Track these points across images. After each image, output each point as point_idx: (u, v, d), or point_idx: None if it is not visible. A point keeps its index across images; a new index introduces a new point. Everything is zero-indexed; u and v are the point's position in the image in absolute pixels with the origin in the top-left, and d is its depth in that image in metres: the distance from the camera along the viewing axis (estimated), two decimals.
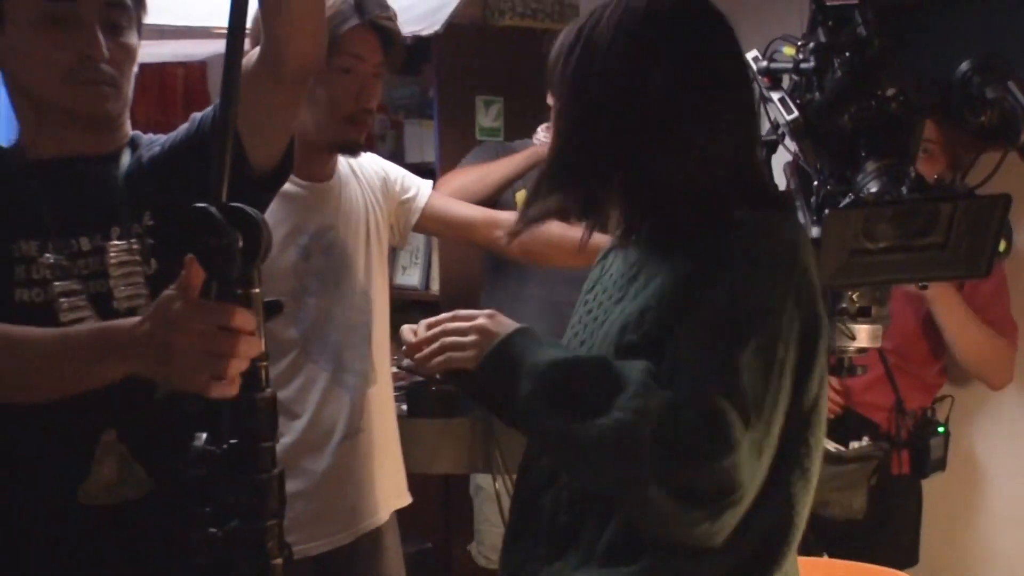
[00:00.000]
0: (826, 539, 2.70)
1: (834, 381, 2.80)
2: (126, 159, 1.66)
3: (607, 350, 1.46)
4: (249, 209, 1.13)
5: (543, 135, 2.91)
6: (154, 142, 1.71)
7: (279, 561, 1.20)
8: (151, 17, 2.43)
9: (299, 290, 2.08)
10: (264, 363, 1.21)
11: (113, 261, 1.56)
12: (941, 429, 2.81)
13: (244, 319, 1.16)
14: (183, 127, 1.71)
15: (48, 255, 1.52)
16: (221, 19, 2.04)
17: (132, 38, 1.62)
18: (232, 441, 1.19)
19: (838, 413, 2.84)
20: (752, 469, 1.30)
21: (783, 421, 1.36)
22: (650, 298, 1.44)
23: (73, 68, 1.53)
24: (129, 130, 1.70)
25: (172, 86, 3.85)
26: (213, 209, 1.09)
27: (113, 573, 1.57)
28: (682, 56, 1.46)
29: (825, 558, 2.37)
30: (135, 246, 1.58)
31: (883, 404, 2.83)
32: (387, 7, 2.10)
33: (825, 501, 2.78)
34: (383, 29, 2.08)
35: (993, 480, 3.11)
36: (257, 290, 1.19)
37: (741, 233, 1.42)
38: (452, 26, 3.05)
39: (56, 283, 1.52)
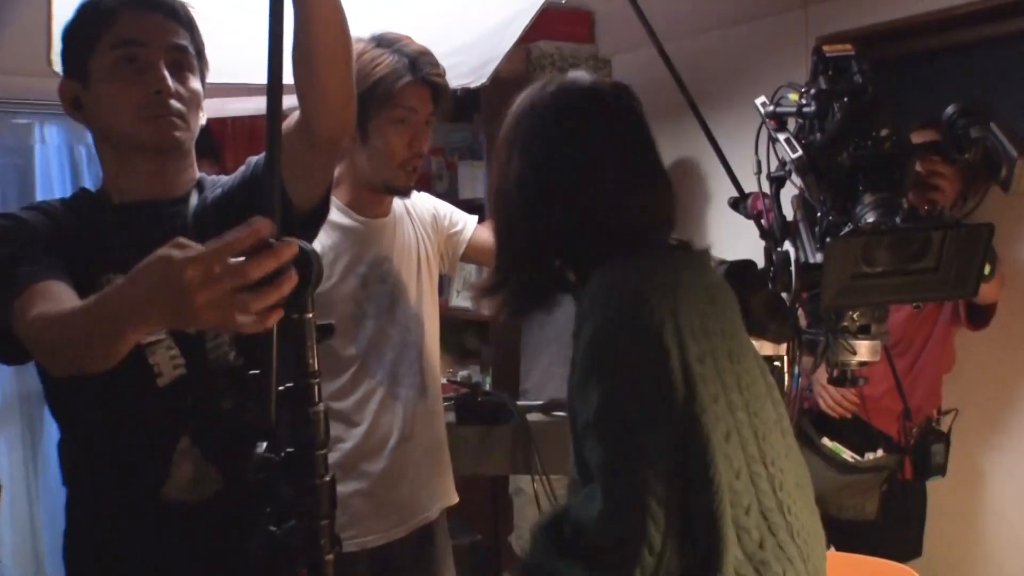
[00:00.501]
0: (839, 535, 2.69)
1: (849, 392, 2.81)
2: (194, 200, 1.69)
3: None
4: (303, 244, 1.15)
5: None
6: (216, 183, 1.74)
7: (331, 557, 1.22)
8: (243, 76, 2.48)
9: (358, 313, 2.10)
10: (317, 380, 1.21)
11: None
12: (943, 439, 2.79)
13: (240, 240, 1.10)
14: (240, 170, 1.74)
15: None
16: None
17: (195, 83, 1.64)
18: (289, 449, 1.21)
19: (851, 413, 2.83)
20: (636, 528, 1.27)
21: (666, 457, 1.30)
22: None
23: (144, 103, 1.56)
24: (196, 174, 1.73)
25: (260, 136, 3.92)
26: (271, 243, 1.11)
27: (191, 562, 1.59)
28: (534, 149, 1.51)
29: (831, 550, 2.34)
30: None
31: (894, 413, 2.82)
32: (437, 64, 2.11)
33: (841, 506, 2.77)
34: (434, 84, 2.10)
35: (991, 485, 3.07)
36: (310, 315, 1.21)
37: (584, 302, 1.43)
38: (497, 79, 3.06)
39: None
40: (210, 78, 1.74)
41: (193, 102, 1.63)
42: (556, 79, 1.61)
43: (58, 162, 3.30)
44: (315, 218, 1.68)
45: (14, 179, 3.38)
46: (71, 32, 1.61)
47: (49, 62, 2.36)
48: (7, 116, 3.34)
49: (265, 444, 1.32)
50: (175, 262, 1.09)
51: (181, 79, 1.61)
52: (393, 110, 2.05)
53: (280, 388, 1.29)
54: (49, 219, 1.59)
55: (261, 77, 2.54)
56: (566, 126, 1.53)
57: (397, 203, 2.23)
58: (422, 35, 2.14)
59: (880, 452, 2.81)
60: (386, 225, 2.19)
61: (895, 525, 2.84)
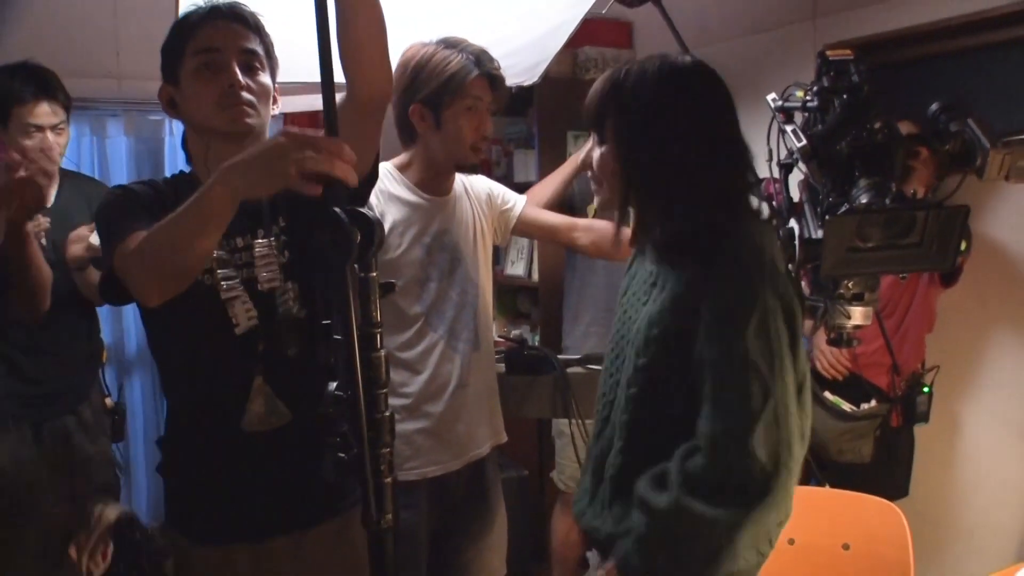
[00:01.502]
0: (837, 477, 2.66)
1: (842, 352, 2.76)
2: None
3: (639, 339, 1.51)
4: (369, 212, 1.16)
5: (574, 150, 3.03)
6: None
7: (389, 480, 1.22)
8: (312, 75, 2.47)
9: (423, 277, 2.09)
10: (379, 330, 1.22)
11: (258, 254, 1.62)
12: (926, 389, 2.76)
13: (331, 147, 1.18)
14: None
15: (215, 251, 1.56)
16: None
17: (265, 78, 1.65)
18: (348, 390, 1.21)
19: (845, 376, 2.79)
20: (776, 449, 1.36)
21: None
22: (666, 300, 1.49)
23: (220, 96, 1.58)
24: None
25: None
26: (339, 213, 1.12)
27: (267, 481, 1.62)
28: (688, 116, 1.53)
29: (827, 488, 2.30)
30: (273, 242, 1.63)
31: (884, 367, 2.78)
32: (495, 60, 2.11)
33: (840, 450, 2.74)
34: (494, 77, 2.10)
35: (967, 432, 3.01)
36: (374, 273, 1.21)
37: (723, 247, 1.46)
38: (548, 79, 3.04)
39: (219, 271, 1.59)
40: (291, 77, 1.75)
41: (263, 94, 1.64)
42: (659, 57, 1.60)
43: (182, 151, 3.34)
44: (367, 184, 1.66)
45: (149, 164, 3.46)
46: (166, 46, 1.64)
47: None
48: (144, 114, 3.41)
49: (335, 384, 1.32)
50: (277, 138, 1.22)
51: (251, 75, 1.61)
52: (464, 99, 2.05)
53: (337, 336, 1.29)
54: (153, 190, 1.64)
55: (304, 76, 2.53)
56: (714, 96, 1.61)
57: (457, 183, 2.21)
58: (482, 39, 2.12)
59: (873, 402, 2.77)
60: (448, 202, 2.17)
61: (886, 467, 2.81)
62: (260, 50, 1.64)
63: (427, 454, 2.08)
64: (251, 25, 1.64)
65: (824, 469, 2.70)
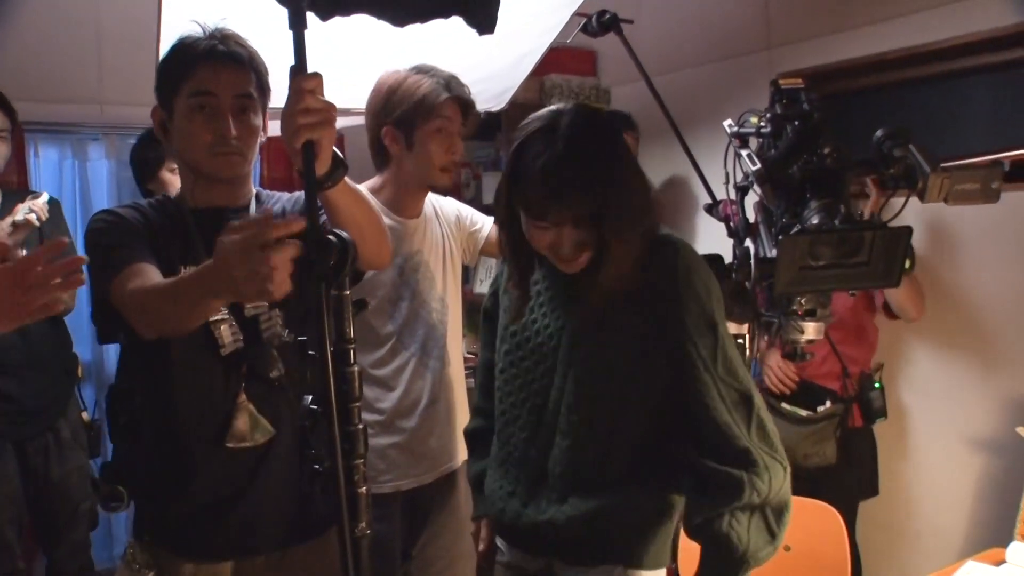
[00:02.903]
0: (807, 483, 2.69)
1: (788, 365, 2.80)
2: (253, 208, 1.71)
3: (597, 358, 1.58)
4: (343, 234, 1.19)
5: None
6: (273, 198, 1.77)
7: (363, 490, 1.22)
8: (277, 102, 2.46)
9: (395, 297, 2.09)
10: (352, 346, 1.22)
11: None
12: (877, 385, 2.80)
13: (265, 230, 1.16)
14: (296, 195, 1.78)
15: None
16: (358, 102, 2.09)
17: (257, 120, 1.63)
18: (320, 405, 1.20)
19: (793, 389, 2.83)
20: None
21: None
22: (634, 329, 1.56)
23: (212, 143, 1.58)
24: (252, 187, 1.74)
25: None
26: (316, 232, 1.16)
27: (252, 500, 1.60)
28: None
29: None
30: None
31: (834, 372, 2.83)
32: (464, 85, 2.13)
33: (806, 454, 2.78)
34: (464, 101, 2.11)
35: (916, 439, 3.05)
36: (347, 292, 1.22)
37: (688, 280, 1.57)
38: (516, 104, 3.06)
39: None
40: (280, 103, 1.72)
41: (252, 135, 1.64)
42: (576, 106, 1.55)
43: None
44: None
45: (129, 187, 3.44)
46: (163, 70, 1.63)
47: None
48: (126, 138, 3.40)
49: (310, 398, 1.33)
50: (224, 245, 1.20)
51: (243, 119, 1.61)
52: (434, 121, 2.06)
53: (312, 352, 1.29)
54: (142, 216, 1.62)
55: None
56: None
57: (427, 206, 2.21)
58: (453, 67, 2.14)
59: (828, 404, 2.81)
60: (419, 224, 2.17)
61: (853, 467, 2.85)
62: (254, 91, 1.62)
63: (401, 468, 2.08)
64: (247, 65, 1.61)
65: (793, 475, 2.73)
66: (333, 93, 2.72)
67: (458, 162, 2.15)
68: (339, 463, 1.18)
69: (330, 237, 1.16)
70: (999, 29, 2.67)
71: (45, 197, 2.65)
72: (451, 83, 2.08)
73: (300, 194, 1.77)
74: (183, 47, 1.60)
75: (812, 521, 2.07)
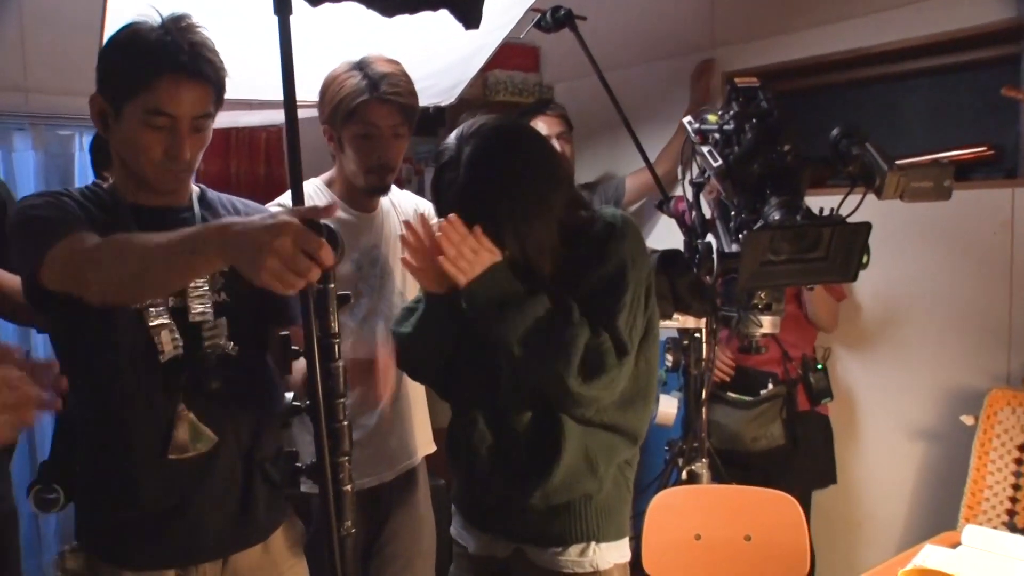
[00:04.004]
0: (758, 471, 2.80)
1: (729, 353, 2.89)
2: (197, 209, 1.65)
3: None
4: (332, 226, 1.22)
5: None
6: (221, 201, 1.72)
7: (348, 488, 1.24)
8: (243, 93, 2.42)
9: (354, 292, 2.09)
10: (338, 340, 1.24)
11: (190, 286, 1.57)
12: (820, 367, 2.89)
13: (326, 253, 1.19)
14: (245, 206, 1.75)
15: None
16: (300, 94, 2.06)
17: (209, 132, 1.59)
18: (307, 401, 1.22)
19: (731, 375, 2.91)
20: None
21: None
22: None
23: (161, 160, 1.53)
24: (192, 185, 1.69)
25: (258, 146, 3.86)
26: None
27: (195, 508, 1.58)
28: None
29: (733, 485, 2.40)
30: (207, 278, 1.59)
31: (774, 358, 2.91)
32: (398, 84, 2.03)
33: (754, 437, 2.86)
34: (393, 102, 2.02)
35: (867, 413, 3.15)
36: (332, 285, 1.23)
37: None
38: (463, 100, 3.08)
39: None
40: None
41: (203, 148, 1.60)
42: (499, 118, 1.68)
43: (91, 167, 3.23)
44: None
45: (57, 178, 3.34)
46: (113, 64, 1.54)
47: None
48: (53, 128, 3.29)
49: (291, 395, 1.33)
50: (276, 226, 1.17)
51: (198, 137, 1.56)
52: (356, 126, 2.01)
53: (296, 348, 1.31)
54: (77, 204, 1.54)
55: (263, 94, 2.48)
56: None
57: (384, 200, 2.22)
58: (405, 58, 2.11)
59: (770, 386, 2.89)
60: (375, 218, 2.18)
61: (804, 453, 2.92)
62: (213, 107, 1.57)
63: (362, 466, 2.06)
64: (214, 81, 1.54)
65: (746, 464, 2.82)
66: (275, 85, 2.70)
67: (389, 164, 2.08)
68: (326, 460, 1.19)
69: (321, 228, 1.17)
70: (937, 35, 2.80)
71: None
72: (379, 83, 1.99)
73: (247, 202, 1.76)
74: (140, 44, 1.50)
75: (770, 510, 2.14)
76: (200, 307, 1.57)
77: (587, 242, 1.60)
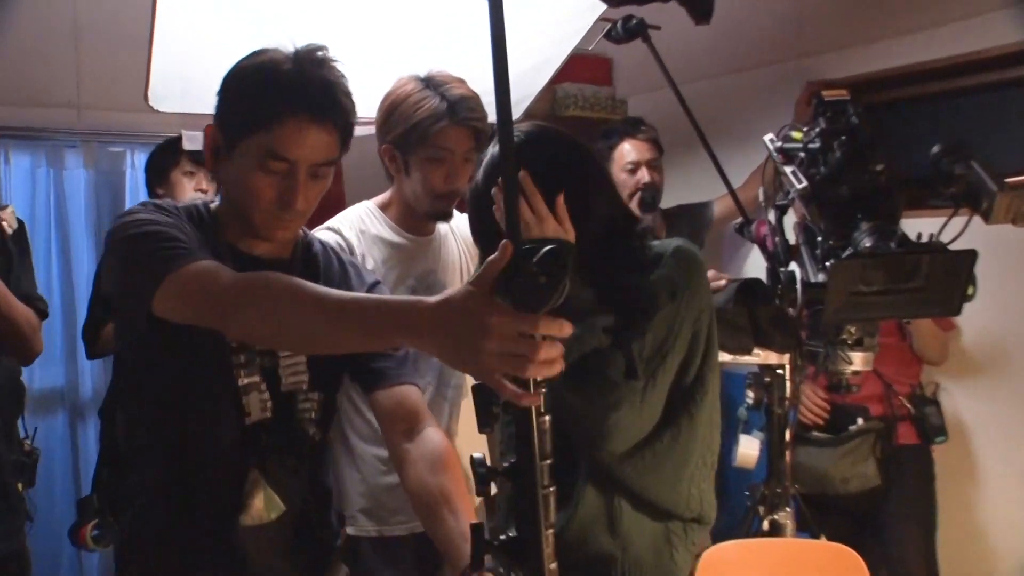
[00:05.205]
0: (851, 515, 2.73)
1: (820, 390, 2.80)
2: (298, 265, 1.60)
3: None
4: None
5: None
6: (328, 257, 1.67)
7: (554, 566, 1.11)
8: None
9: None
10: (544, 391, 1.07)
11: (285, 355, 1.54)
12: (933, 402, 2.80)
13: (549, 325, 1.03)
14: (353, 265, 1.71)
15: None
16: (363, 110, 2.08)
17: (330, 177, 1.52)
18: (513, 459, 1.09)
19: (825, 418, 2.82)
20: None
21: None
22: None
23: (272, 207, 1.47)
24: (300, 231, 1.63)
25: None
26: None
27: (254, 570, 1.55)
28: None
29: (794, 539, 2.31)
30: None
31: (873, 394, 2.81)
32: (476, 108, 2.03)
33: (844, 478, 2.77)
34: (470, 127, 2.02)
35: (981, 446, 3.02)
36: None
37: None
38: (529, 115, 3.07)
39: (241, 354, 1.50)
40: None
41: (320, 196, 1.53)
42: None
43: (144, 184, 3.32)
44: None
45: (108, 198, 3.44)
46: (236, 96, 1.48)
47: (145, 98, 2.36)
48: (105, 145, 3.38)
49: (481, 455, 1.19)
50: (481, 303, 1.03)
51: (315, 185, 1.50)
52: (429, 150, 2.01)
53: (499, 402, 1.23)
54: (176, 221, 1.47)
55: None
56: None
57: (441, 223, 2.21)
58: (466, 74, 2.11)
59: (860, 422, 2.80)
60: (432, 242, 2.17)
61: (903, 491, 2.81)
62: (337, 153, 1.50)
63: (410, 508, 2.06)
64: (339, 126, 1.48)
65: (836, 509, 2.73)
66: None
67: (458, 189, 2.06)
68: (542, 532, 1.08)
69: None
70: None
71: (12, 208, 2.65)
72: (457, 107, 2.00)
73: (348, 258, 1.72)
74: (265, 78, 1.44)
75: (828, 565, 2.06)
76: (293, 376, 1.55)
77: (636, 273, 1.55)
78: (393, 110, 2.04)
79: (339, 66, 1.49)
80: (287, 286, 1.27)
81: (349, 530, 1.97)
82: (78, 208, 3.33)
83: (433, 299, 1.10)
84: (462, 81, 2.06)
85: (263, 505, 1.52)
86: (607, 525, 1.54)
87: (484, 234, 1.59)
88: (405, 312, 1.13)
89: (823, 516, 2.55)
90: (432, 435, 1.58)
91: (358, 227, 2.09)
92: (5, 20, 3.26)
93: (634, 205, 3.04)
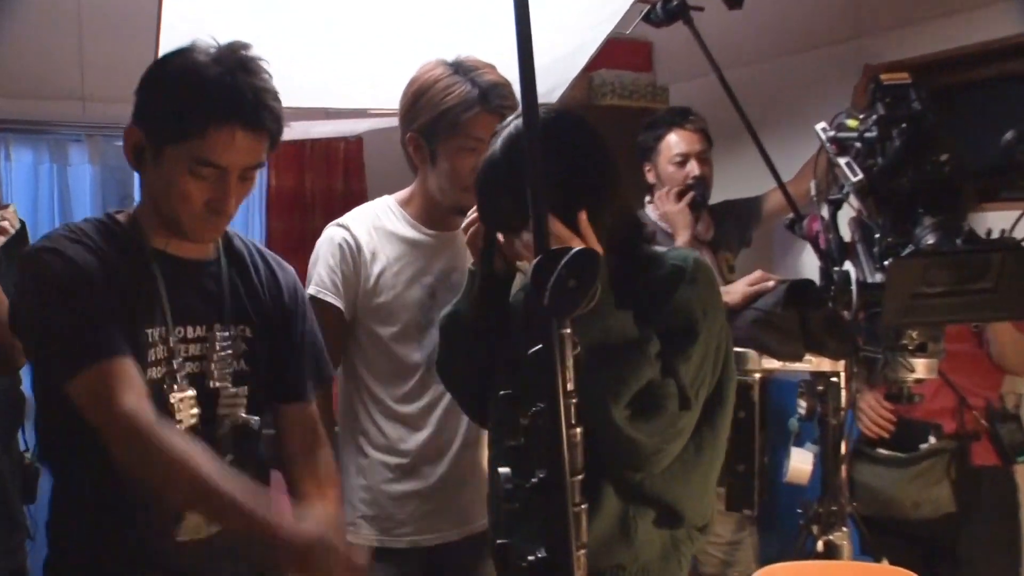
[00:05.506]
0: (922, 543, 2.68)
1: (881, 403, 2.75)
2: (224, 265, 1.68)
3: None
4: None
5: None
6: (249, 252, 1.75)
7: None
8: (319, 100, 2.45)
9: (424, 322, 2.07)
10: (575, 400, 1.08)
11: (218, 347, 1.62)
12: (1013, 415, 2.74)
13: None
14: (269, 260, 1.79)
15: (168, 338, 1.57)
16: (376, 101, 2.07)
17: (255, 178, 1.61)
18: (542, 474, 1.07)
19: (891, 431, 2.77)
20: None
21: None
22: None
23: (201, 211, 1.54)
24: None
25: (335, 158, 3.95)
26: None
27: None
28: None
29: (848, 562, 2.27)
30: (230, 342, 1.64)
31: (946, 408, 2.75)
32: (508, 96, 2.03)
33: (915, 502, 2.72)
34: (504, 116, 1.97)
35: None
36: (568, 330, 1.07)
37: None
38: (563, 104, 3.06)
39: (171, 361, 1.57)
40: (293, 102, 1.70)
41: (245, 196, 1.61)
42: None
43: None
44: None
45: (115, 195, 3.51)
46: (163, 100, 1.52)
47: None
48: (111, 139, 3.43)
49: (509, 470, 1.19)
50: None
51: (245, 186, 1.58)
52: (459, 139, 2.00)
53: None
54: (98, 260, 1.52)
55: (340, 101, 2.53)
56: None
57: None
58: (497, 59, 2.10)
59: (932, 440, 2.74)
60: (455, 238, 2.15)
61: (981, 516, 2.75)
62: (265, 157, 1.58)
63: (421, 520, 2.07)
64: (271, 131, 1.55)
65: (905, 535, 2.69)
66: (352, 90, 2.73)
67: None
68: (573, 551, 1.06)
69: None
70: None
71: (14, 208, 2.68)
72: (489, 94, 1.99)
73: (274, 260, 1.81)
74: (194, 83, 1.49)
75: None
76: (219, 372, 1.63)
77: (650, 284, 1.56)
78: (419, 96, 2.03)
79: (265, 73, 1.54)
80: (178, 464, 1.41)
81: (348, 537, 2.00)
82: (83, 205, 3.38)
83: (295, 535, 1.40)
84: (492, 67, 2.05)
85: (201, 519, 1.57)
86: (623, 535, 1.59)
87: (493, 209, 1.60)
88: (250, 518, 1.39)
89: (888, 541, 2.50)
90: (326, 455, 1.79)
91: (371, 223, 2.10)
92: (6, 8, 3.31)
93: (683, 205, 3.02)
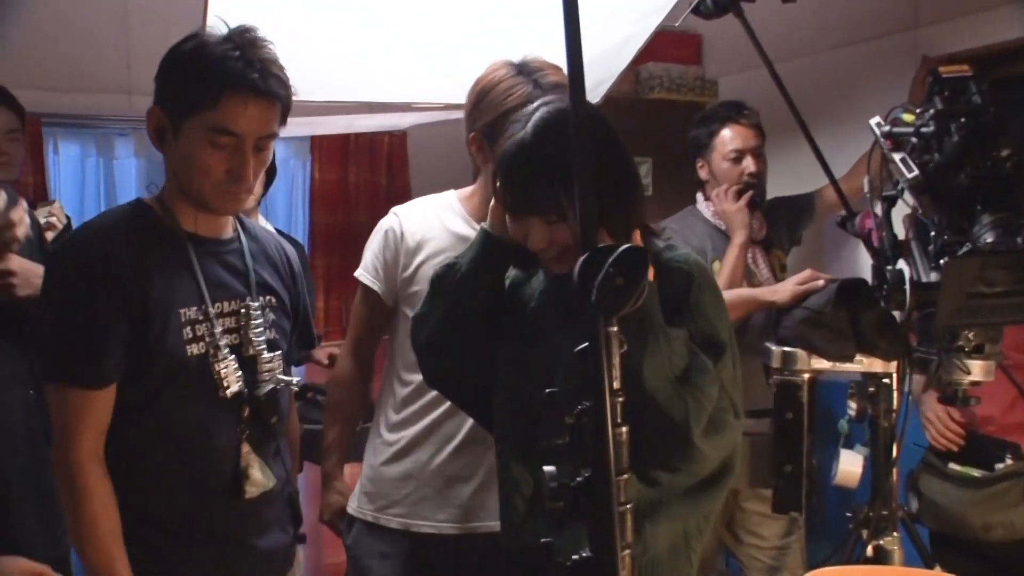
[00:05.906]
0: (992, 564, 2.60)
1: (955, 412, 2.69)
2: (244, 239, 1.83)
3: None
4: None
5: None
6: (264, 240, 1.92)
7: None
8: (363, 95, 2.45)
9: None
10: (621, 399, 1.09)
11: (253, 316, 1.77)
12: None
13: None
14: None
15: (209, 314, 1.70)
16: (420, 95, 2.07)
17: (271, 150, 1.73)
18: (587, 473, 1.10)
19: (960, 444, 2.71)
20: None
21: None
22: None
23: (222, 180, 1.65)
24: None
25: (379, 151, 3.97)
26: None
27: (268, 544, 1.81)
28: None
29: (918, 570, 2.23)
30: (261, 311, 1.79)
31: (1021, 423, 2.66)
32: (562, 87, 1.98)
33: (987, 524, 2.64)
34: None
35: None
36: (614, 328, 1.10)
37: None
38: (610, 98, 3.07)
39: (215, 331, 1.71)
40: (337, 96, 1.76)
41: (263, 166, 1.72)
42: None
43: None
44: None
45: (159, 179, 3.51)
46: (179, 78, 1.65)
47: None
48: None
49: (554, 469, 1.20)
50: None
51: (261, 157, 1.69)
52: None
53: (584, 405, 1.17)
54: (135, 251, 1.65)
55: (384, 95, 2.53)
56: None
57: None
58: (545, 54, 2.09)
59: (1009, 460, 2.63)
60: None
61: None
62: (278, 128, 1.70)
63: (414, 505, 2.06)
64: (280, 99, 1.66)
65: (973, 554, 2.62)
66: (396, 85, 2.73)
67: None
68: (619, 552, 1.09)
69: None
70: None
71: (59, 204, 2.73)
72: (552, 93, 1.96)
73: (275, 234, 1.97)
74: (206, 59, 1.62)
75: None
76: (257, 339, 1.77)
77: (660, 290, 1.54)
78: (483, 97, 2.02)
79: (270, 47, 1.67)
80: (93, 520, 1.61)
81: (349, 509, 2.13)
82: (129, 198, 3.31)
83: None
84: (558, 68, 2.03)
85: (261, 475, 1.75)
86: (634, 527, 1.56)
87: (519, 190, 1.57)
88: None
89: (952, 554, 2.46)
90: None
91: (425, 214, 2.11)
92: (54, 3, 3.36)
93: (742, 204, 2.98)
